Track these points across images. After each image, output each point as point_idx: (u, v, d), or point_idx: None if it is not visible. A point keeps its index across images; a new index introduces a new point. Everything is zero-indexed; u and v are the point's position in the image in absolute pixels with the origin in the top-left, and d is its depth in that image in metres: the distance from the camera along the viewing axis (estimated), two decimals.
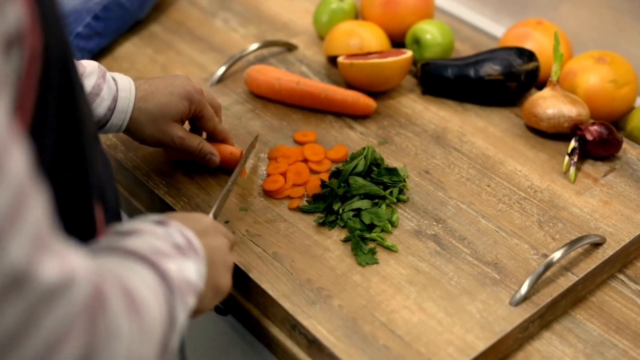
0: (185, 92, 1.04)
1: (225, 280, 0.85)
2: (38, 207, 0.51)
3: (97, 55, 1.39)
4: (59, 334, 0.52)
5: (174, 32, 1.46)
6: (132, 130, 1.03)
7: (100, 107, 1.00)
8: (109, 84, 1.01)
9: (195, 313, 0.81)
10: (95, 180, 0.74)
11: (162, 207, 1.08)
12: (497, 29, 1.43)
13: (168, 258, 0.72)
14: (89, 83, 0.99)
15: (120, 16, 1.38)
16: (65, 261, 0.53)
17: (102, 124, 1.01)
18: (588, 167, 1.12)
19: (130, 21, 1.42)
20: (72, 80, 0.67)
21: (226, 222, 1.03)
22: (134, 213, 1.13)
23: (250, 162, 1.13)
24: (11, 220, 0.48)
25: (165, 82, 1.04)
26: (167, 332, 0.68)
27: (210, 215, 0.96)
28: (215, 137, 1.10)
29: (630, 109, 1.23)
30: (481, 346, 0.89)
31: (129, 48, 1.42)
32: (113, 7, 1.37)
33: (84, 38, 1.34)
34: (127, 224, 0.75)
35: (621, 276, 1.03)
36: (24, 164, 0.50)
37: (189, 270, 0.74)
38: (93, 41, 1.35)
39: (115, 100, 1.01)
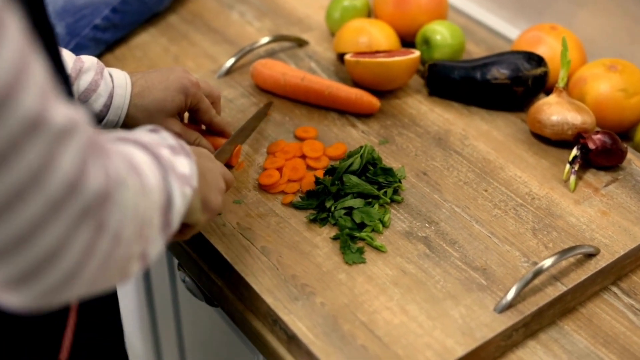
0: (180, 85, 1.04)
1: (216, 198, 0.87)
2: (39, 65, 0.56)
3: (112, 44, 1.40)
4: (76, 169, 0.57)
5: (189, 22, 1.47)
6: (129, 126, 1.03)
7: (96, 103, 1.00)
8: (106, 80, 1.01)
9: (184, 228, 0.84)
10: None
11: None
12: (512, 31, 1.41)
13: (163, 150, 0.76)
14: (86, 79, 1.00)
15: (138, 9, 1.39)
16: (69, 109, 0.58)
17: (99, 120, 1.02)
18: (590, 176, 1.11)
19: (147, 14, 1.43)
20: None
21: (218, 214, 1.03)
22: None
23: (249, 156, 1.13)
24: (20, 74, 0.53)
25: (161, 77, 1.04)
26: (166, 203, 0.72)
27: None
28: (212, 130, 1.10)
29: None
30: (460, 352, 0.88)
31: (144, 37, 1.43)
32: (132, 1, 1.38)
33: (101, 30, 1.35)
34: (123, 131, 0.79)
35: (614, 289, 1.01)
36: (21, 26, 0.54)
37: (182, 165, 0.78)
38: (109, 32, 1.36)
39: (111, 96, 1.01)
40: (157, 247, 0.71)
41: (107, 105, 1.01)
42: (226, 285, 1.00)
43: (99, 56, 1.38)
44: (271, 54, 1.33)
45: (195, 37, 1.44)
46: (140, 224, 0.65)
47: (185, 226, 0.84)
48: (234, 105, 1.22)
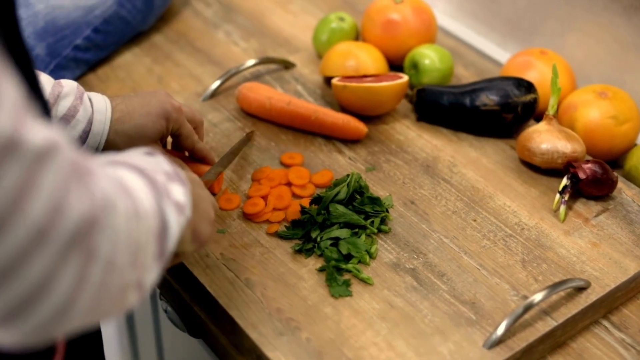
0: (162, 110, 1.01)
1: (206, 229, 0.84)
2: (12, 84, 0.53)
3: (94, 64, 1.37)
4: (59, 194, 0.54)
5: (174, 42, 1.44)
6: (109, 152, 1.01)
7: (75, 129, 0.98)
8: (85, 106, 0.98)
9: (174, 257, 0.80)
10: None
11: None
12: (502, 54, 1.40)
13: (158, 175, 0.73)
14: (64, 104, 0.97)
15: (120, 29, 1.37)
16: (47, 131, 0.55)
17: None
18: (580, 206, 1.09)
19: (131, 34, 1.40)
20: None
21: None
22: None
23: (233, 182, 1.10)
24: None
25: (142, 101, 1.01)
26: (161, 230, 0.68)
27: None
28: (194, 156, 1.07)
29: (631, 147, 1.19)
30: None
31: (127, 57, 1.40)
32: (114, 21, 1.35)
33: (82, 50, 1.32)
34: (115, 154, 0.76)
35: (605, 322, 0.99)
36: None
37: (177, 192, 0.74)
38: (91, 53, 1.34)
39: (90, 122, 0.98)
40: (153, 275, 0.68)
41: (86, 132, 0.98)
42: (209, 318, 0.97)
43: (81, 77, 1.35)
44: (257, 77, 1.30)
45: (179, 57, 1.41)
46: (135, 250, 0.62)
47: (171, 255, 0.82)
48: (219, 130, 1.20)
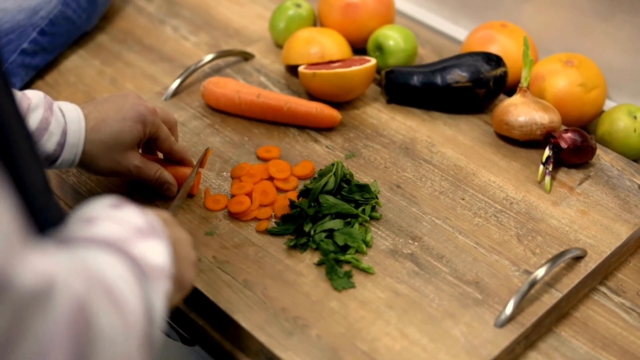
0: (138, 115, 0.97)
1: (189, 274, 0.78)
2: (4, 213, 0.48)
3: (42, 70, 1.31)
4: (48, 340, 0.50)
5: (121, 41, 1.39)
6: (86, 163, 0.95)
7: (49, 142, 0.92)
8: (57, 117, 0.92)
9: None
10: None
11: None
12: (457, 31, 1.39)
13: (133, 244, 0.67)
14: (35, 117, 0.91)
15: (67, 30, 1.31)
16: (42, 266, 0.50)
17: (52, 161, 0.93)
18: (562, 175, 1.09)
19: (77, 34, 1.34)
20: None
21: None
22: None
23: (213, 182, 1.07)
24: None
25: (116, 106, 0.96)
26: (147, 323, 0.63)
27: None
28: (171, 158, 1.03)
29: (599, 113, 1.20)
30: None
31: (75, 60, 1.34)
32: (60, 21, 1.29)
33: (29, 54, 1.26)
34: (83, 211, 0.69)
35: (603, 289, 1.00)
36: None
37: (156, 252, 0.68)
38: (38, 57, 1.27)
39: (64, 134, 0.92)
40: None
41: (61, 144, 0.93)
42: (209, 325, 0.94)
43: (29, 83, 1.29)
44: (217, 71, 1.26)
45: (129, 56, 1.36)
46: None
47: None
48: (187, 129, 1.15)
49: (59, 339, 0.51)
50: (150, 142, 1.02)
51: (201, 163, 1.04)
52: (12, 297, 0.47)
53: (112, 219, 0.68)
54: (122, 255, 0.64)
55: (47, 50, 1.29)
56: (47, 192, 0.70)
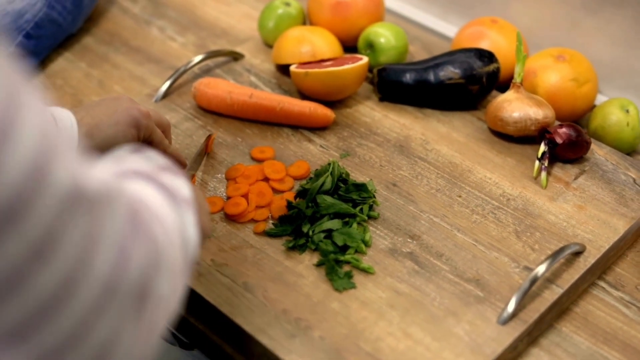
0: (131, 118, 0.95)
1: (206, 224, 0.79)
2: (62, 132, 0.55)
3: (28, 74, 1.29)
4: (122, 244, 0.53)
5: (107, 43, 1.37)
6: None
7: None
8: None
9: None
10: None
11: None
12: (446, 27, 1.39)
13: (161, 175, 0.70)
14: None
15: (52, 32, 1.29)
16: (99, 172, 0.54)
17: None
18: (558, 170, 1.09)
19: (62, 36, 1.33)
20: None
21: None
22: None
23: (208, 184, 1.06)
24: (49, 148, 0.49)
25: (108, 110, 0.95)
26: (184, 244, 0.66)
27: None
28: None
29: (591, 107, 1.20)
30: None
31: (61, 63, 1.33)
32: (45, 24, 1.27)
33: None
34: (109, 154, 0.73)
35: (601, 283, 1.00)
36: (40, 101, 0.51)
37: (182, 188, 0.71)
38: (25, 61, 1.25)
39: None
40: (181, 291, 0.66)
41: None
42: (209, 328, 0.93)
43: None
44: (206, 71, 1.25)
45: (116, 58, 1.34)
46: (174, 277, 0.61)
47: None
48: (180, 131, 1.14)
49: (132, 243, 0.54)
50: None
51: (206, 148, 1.07)
52: (85, 205, 0.50)
53: (138, 156, 0.73)
54: (154, 182, 0.67)
55: (33, 54, 1.28)
56: None
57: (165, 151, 1.01)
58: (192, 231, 0.69)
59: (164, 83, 1.20)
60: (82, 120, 0.93)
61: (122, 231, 0.53)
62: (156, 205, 0.64)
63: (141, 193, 0.64)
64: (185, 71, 1.22)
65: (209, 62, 1.26)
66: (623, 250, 1.03)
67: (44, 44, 1.29)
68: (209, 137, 1.07)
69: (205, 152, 1.06)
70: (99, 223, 0.51)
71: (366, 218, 1.00)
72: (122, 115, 0.95)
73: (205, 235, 0.79)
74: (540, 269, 0.92)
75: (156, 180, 0.68)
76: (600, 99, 1.23)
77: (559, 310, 0.95)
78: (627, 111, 1.14)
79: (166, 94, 1.20)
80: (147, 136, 0.98)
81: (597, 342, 0.92)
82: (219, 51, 1.27)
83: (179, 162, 1.03)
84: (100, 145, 0.94)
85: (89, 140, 0.93)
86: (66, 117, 0.93)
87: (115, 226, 0.52)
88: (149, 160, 0.73)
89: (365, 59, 1.16)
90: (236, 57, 1.28)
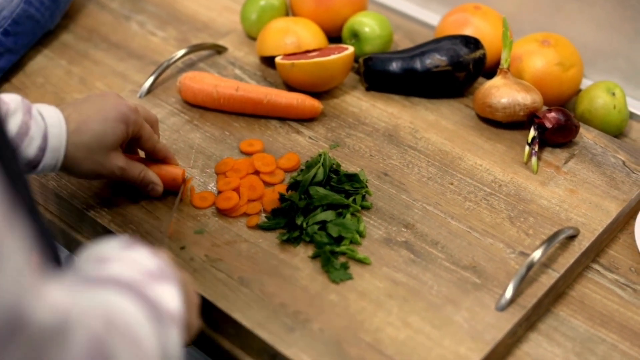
0: (119, 114, 0.94)
1: (195, 319, 0.76)
2: (16, 249, 0.46)
3: (7, 72, 1.27)
4: None
5: (87, 39, 1.36)
6: (68, 167, 0.92)
7: (30, 147, 0.88)
8: (37, 120, 0.89)
9: None
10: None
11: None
12: (428, 15, 1.38)
13: (147, 287, 0.65)
14: (14, 122, 0.87)
15: (30, 29, 1.27)
16: (58, 301, 0.49)
17: (33, 166, 0.90)
18: (547, 155, 1.09)
19: (40, 33, 1.30)
20: None
21: (182, 247, 0.95)
22: (75, 248, 1.03)
23: (198, 179, 1.05)
24: None
25: (96, 107, 0.93)
26: None
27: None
28: (154, 157, 1.01)
29: (577, 92, 1.21)
30: (475, 358, 0.84)
31: (41, 61, 1.30)
32: (23, 20, 1.25)
33: None
34: (94, 250, 0.68)
35: (596, 266, 1.00)
36: None
37: (169, 296, 0.66)
38: (3, 58, 1.23)
39: (45, 138, 0.89)
40: None
41: (42, 149, 0.89)
42: (206, 324, 0.92)
43: None
44: (190, 65, 1.24)
45: (96, 55, 1.33)
46: None
47: None
48: (166, 126, 1.13)
49: None
50: (132, 142, 0.99)
51: (182, 196, 1.01)
52: (28, 333, 0.45)
53: (124, 260, 0.67)
54: (137, 296, 0.62)
55: (12, 51, 1.26)
56: (32, 202, 0.68)
57: (154, 146, 1.00)
58: (174, 351, 0.64)
59: (147, 78, 1.18)
60: (69, 117, 0.92)
61: None
62: (134, 327, 0.59)
63: (116, 312, 0.58)
64: (168, 66, 1.20)
65: (192, 56, 1.25)
66: (615, 232, 1.04)
67: (23, 41, 1.27)
68: (184, 180, 1.02)
69: (182, 198, 1.01)
70: (39, 358, 0.45)
71: (359, 208, 1.00)
72: (111, 112, 0.94)
73: (193, 333, 0.75)
74: (536, 254, 0.92)
75: (140, 293, 0.63)
76: (585, 83, 1.23)
77: (556, 294, 0.95)
78: (614, 94, 1.15)
79: (150, 90, 1.18)
80: (135, 132, 0.97)
81: (595, 324, 0.93)
82: (201, 45, 1.25)
83: (167, 158, 1.02)
84: (89, 142, 0.92)
85: (78, 137, 0.92)
86: (54, 114, 0.91)
87: None
88: (137, 265, 0.67)
89: (351, 49, 1.15)
90: (219, 50, 1.26)
